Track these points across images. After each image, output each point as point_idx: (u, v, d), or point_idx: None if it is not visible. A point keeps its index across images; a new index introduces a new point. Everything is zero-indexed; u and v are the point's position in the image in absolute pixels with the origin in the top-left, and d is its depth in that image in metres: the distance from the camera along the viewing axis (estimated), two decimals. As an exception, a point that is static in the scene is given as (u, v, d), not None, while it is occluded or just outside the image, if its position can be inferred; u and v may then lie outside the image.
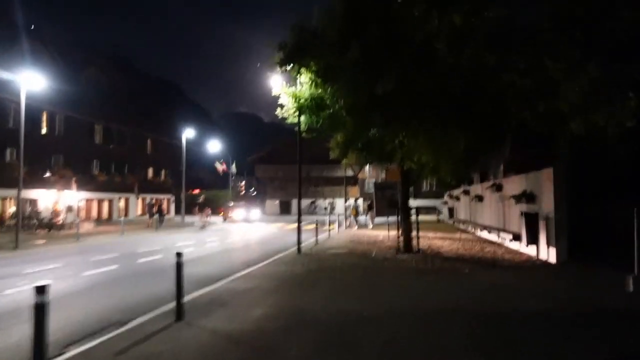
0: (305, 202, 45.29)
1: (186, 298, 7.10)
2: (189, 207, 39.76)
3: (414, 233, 13.25)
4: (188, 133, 34.84)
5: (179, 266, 6.01)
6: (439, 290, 7.56)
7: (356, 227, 25.69)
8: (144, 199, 37.51)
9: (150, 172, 40.68)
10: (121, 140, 36.11)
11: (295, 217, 15.44)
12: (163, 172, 42.56)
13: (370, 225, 25.76)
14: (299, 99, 12.50)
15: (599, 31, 5.18)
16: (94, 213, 33.06)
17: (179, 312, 5.90)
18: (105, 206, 34.57)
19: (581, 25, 5.22)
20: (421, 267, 10.13)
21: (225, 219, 33.64)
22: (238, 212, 34.31)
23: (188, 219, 34.40)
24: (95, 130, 33.83)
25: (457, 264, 10.39)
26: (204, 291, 7.77)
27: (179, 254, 6.05)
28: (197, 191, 57.06)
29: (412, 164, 12.07)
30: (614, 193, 8.22)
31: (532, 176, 11.27)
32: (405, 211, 13.52)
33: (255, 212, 35.01)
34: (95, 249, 15.73)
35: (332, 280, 8.60)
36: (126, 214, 35.06)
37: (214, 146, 53.84)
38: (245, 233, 23.11)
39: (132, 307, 6.81)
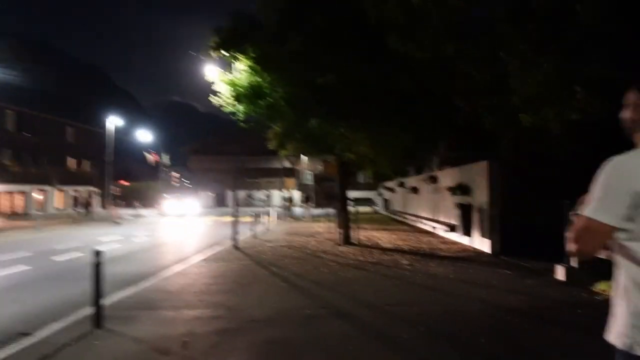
0: (241, 194, 44.31)
1: (108, 301, 6.40)
2: (116, 199, 37.49)
3: (352, 225, 13.17)
4: (115, 121, 32.64)
5: (97, 267, 5.32)
6: (382, 285, 7.42)
7: (292, 219, 25.45)
8: (65, 192, 34.71)
9: (72, 162, 37.73)
10: (38, 127, 33.09)
11: (231, 210, 14.83)
12: (87, 163, 39.66)
13: (307, 217, 25.63)
14: (236, 87, 11.86)
15: (553, 28, 5.20)
16: (6, 207, 30.08)
17: (98, 318, 5.23)
18: (20, 199, 31.58)
19: (535, 21, 5.22)
20: (361, 259, 10.01)
21: (159, 213, 31.48)
22: (171, 205, 32.23)
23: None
24: (7, 115, 30.71)
25: (397, 255, 10.39)
26: (129, 292, 7.05)
27: (97, 253, 5.35)
28: (125, 183, 53.92)
29: (352, 156, 11.90)
30: (548, 188, 8.51)
31: (468, 169, 11.52)
32: (343, 203, 13.40)
33: (191, 205, 32.78)
34: (5, 246, 14.11)
35: (272, 276, 8.20)
36: (45, 208, 32.26)
37: (145, 136, 51.07)
38: (178, 227, 22.00)
39: (43, 314, 5.96)
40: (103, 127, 36.23)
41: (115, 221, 24.43)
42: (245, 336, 4.73)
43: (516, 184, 9.53)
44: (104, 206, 36.98)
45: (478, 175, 10.73)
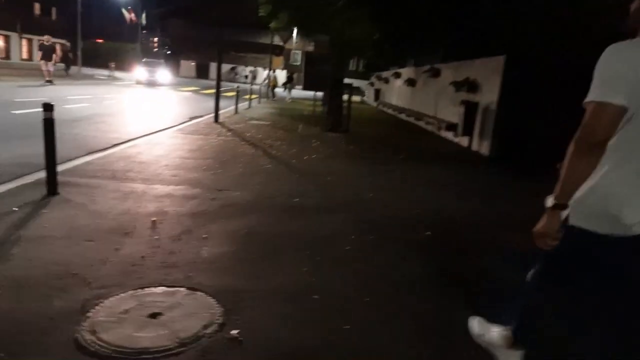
0: (225, 68, 41.86)
1: (70, 165, 5.65)
2: (89, 58, 34.82)
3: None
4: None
5: (48, 124, 4.39)
6: (376, 179, 6.78)
7: (273, 99, 24.27)
8: (29, 40, 31.67)
9: (37, 8, 33.93)
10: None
11: (213, 83, 13.59)
12: (54, 11, 35.81)
13: (290, 99, 24.48)
14: None
15: None
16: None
17: (52, 184, 4.45)
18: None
19: None
20: (353, 148, 9.31)
21: (133, 78, 27.91)
22: (143, 72, 26.69)
23: (88, 70, 30.17)
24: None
25: (389, 149, 9.71)
26: (93, 157, 6.23)
27: (47, 106, 4.37)
28: (100, 41, 49.93)
29: (351, 33, 10.50)
30: (572, 94, 7.63)
31: (478, 63, 10.41)
32: (337, 87, 12.33)
33: (164, 74, 27.65)
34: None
35: (254, 157, 7.43)
36: (7, 57, 29.60)
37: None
38: (152, 94, 20.56)
39: (-11, 172, 5.14)
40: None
41: (47, 79, 18.77)
42: (222, 223, 4.05)
43: (532, 85, 8.58)
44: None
45: (490, 71, 9.68)
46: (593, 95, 1.53)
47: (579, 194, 1.65)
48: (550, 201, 1.66)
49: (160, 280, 2.83)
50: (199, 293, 2.71)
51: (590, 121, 1.53)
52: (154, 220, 3.90)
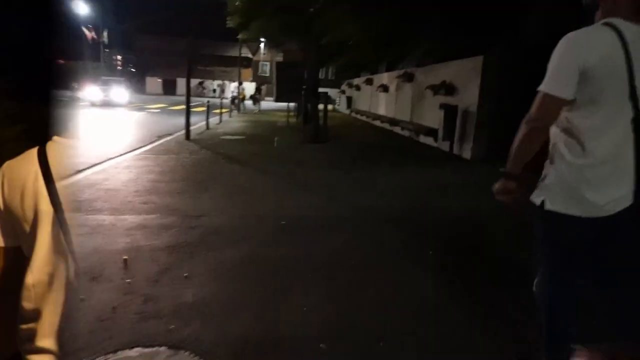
0: (193, 83, 41.07)
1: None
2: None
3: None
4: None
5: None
6: (368, 188, 6.42)
7: (244, 112, 24.00)
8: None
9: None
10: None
11: (181, 99, 13.05)
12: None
13: (259, 111, 24.35)
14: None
15: None
16: None
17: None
18: None
19: None
20: (334, 158, 8.94)
21: (91, 103, 22.81)
22: (94, 92, 23.06)
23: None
24: None
25: (371, 155, 9.41)
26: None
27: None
28: (60, 61, 48.24)
29: (332, 37, 10.20)
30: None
31: (456, 64, 10.26)
32: (315, 96, 11.99)
33: (120, 93, 24.15)
34: None
35: (232, 175, 6.97)
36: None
37: (81, 7, 44.99)
38: (116, 114, 19.76)
39: None
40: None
41: None
42: (206, 256, 3.59)
43: (514, 84, 8.43)
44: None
45: (468, 72, 9.53)
46: (544, 85, 1.63)
47: (551, 180, 1.73)
48: (503, 171, 1.81)
49: (135, 339, 2.36)
50: (184, 353, 2.25)
51: (537, 108, 1.65)
52: (126, 259, 3.40)
